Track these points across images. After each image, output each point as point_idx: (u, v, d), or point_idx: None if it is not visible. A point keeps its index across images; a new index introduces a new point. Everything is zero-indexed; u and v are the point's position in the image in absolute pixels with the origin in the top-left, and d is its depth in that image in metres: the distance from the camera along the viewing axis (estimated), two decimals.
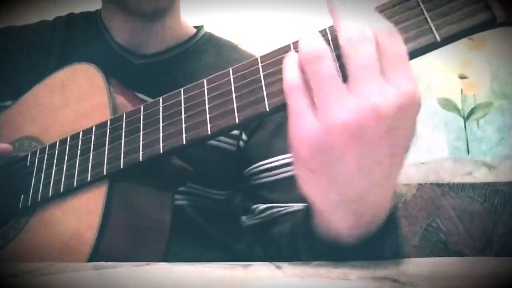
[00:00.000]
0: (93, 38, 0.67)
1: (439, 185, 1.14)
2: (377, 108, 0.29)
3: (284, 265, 0.33)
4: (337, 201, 0.32)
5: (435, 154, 1.18)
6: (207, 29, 0.73)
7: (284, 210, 0.57)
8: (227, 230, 0.66)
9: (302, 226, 0.40)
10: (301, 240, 0.41)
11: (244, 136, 0.63)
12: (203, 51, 0.68)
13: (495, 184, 1.14)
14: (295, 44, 0.36)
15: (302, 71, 0.32)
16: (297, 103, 0.31)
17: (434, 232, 1.14)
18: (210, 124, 0.38)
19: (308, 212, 0.38)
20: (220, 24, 1.24)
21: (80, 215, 0.44)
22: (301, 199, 0.58)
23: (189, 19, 0.71)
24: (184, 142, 0.40)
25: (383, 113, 0.29)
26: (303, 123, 0.31)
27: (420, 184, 1.13)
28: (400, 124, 0.29)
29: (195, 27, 0.72)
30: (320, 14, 1.25)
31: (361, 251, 0.35)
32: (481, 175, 1.18)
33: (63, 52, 0.66)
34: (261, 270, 0.32)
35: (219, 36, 0.73)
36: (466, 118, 1.22)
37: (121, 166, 0.43)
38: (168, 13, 0.64)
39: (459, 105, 1.23)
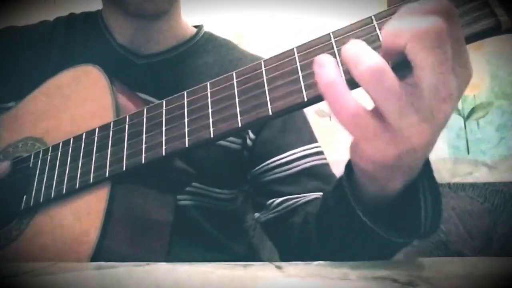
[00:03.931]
0: (94, 38, 0.67)
1: (439, 185, 1.14)
2: (446, 107, 0.30)
3: (284, 265, 0.33)
4: (399, 177, 0.35)
5: (435, 154, 1.18)
6: (207, 29, 0.73)
7: (301, 200, 0.58)
8: (228, 231, 0.66)
9: (338, 194, 0.40)
10: (337, 209, 0.42)
11: (251, 135, 0.63)
12: (203, 51, 0.68)
13: (495, 184, 1.14)
14: (299, 48, 0.36)
15: (365, 89, 0.30)
16: (370, 133, 0.30)
17: None
18: (213, 127, 0.38)
19: (349, 175, 0.39)
20: (220, 24, 1.24)
21: (82, 216, 0.44)
22: (315, 190, 0.59)
23: (189, 19, 0.72)
24: (187, 145, 0.40)
25: (451, 109, 0.30)
26: (383, 146, 0.31)
27: None
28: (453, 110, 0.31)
29: (194, 26, 0.72)
30: (320, 14, 1.25)
31: (401, 204, 0.36)
32: (481, 175, 1.18)
33: (64, 53, 0.66)
34: (261, 270, 0.32)
35: (218, 36, 0.73)
36: (466, 118, 1.22)
37: (124, 168, 0.43)
38: (169, 14, 0.64)
39: (459, 105, 1.23)
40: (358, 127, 0.30)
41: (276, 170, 0.61)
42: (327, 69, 0.31)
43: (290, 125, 0.64)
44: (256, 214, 0.64)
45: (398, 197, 0.37)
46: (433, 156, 0.34)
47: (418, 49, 0.28)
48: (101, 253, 0.41)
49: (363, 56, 0.29)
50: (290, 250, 0.59)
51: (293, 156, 0.61)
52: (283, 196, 0.60)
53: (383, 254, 0.41)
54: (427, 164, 0.37)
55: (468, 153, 1.21)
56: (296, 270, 0.31)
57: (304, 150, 0.62)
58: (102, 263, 0.38)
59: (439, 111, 0.29)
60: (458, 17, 0.30)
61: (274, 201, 0.60)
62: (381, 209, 0.37)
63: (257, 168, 0.63)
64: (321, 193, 0.58)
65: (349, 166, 0.38)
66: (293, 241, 0.56)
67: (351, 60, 0.30)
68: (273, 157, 0.62)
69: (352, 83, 0.31)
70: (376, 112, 0.30)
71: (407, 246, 0.40)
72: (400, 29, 0.29)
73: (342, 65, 0.33)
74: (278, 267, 0.32)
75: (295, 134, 0.63)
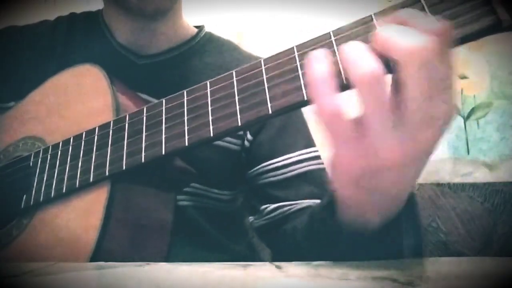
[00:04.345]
0: (95, 38, 0.67)
1: (439, 185, 1.14)
2: (426, 135, 0.29)
3: (284, 265, 0.33)
4: (372, 202, 0.34)
5: (435, 154, 1.18)
6: (207, 28, 0.73)
7: (294, 207, 0.58)
8: (228, 231, 0.66)
9: (323, 214, 0.40)
10: (321, 229, 0.42)
11: (249, 136, 0.63)
12: (204, 51, 0.68)
13: (495, 184, 1.14)
14: (298, 47, 0.36)
15: (358, 92, 0.30)
16: (342, 133, 0.31)
17: (434, 232, 1.13)
18: (212, 126, 0.38)
19: (331, 204, 0.38)
20: (220, 23, 1.24)
21: (82, 215, 0.44)
22: (309, 196, 0.58)
23: (189, 18, 0.72)
24: (187, 144, 0.40)
25: (432, 138, 0.30)
26: (351, 152, 0.31)
27: (420, 184, 1.13)
28: (436, 142, 0.31)
29: (195, 27, 0.72)
30: (320, 14, 1.25)
31: (381, 238, 0.36)
32: (481, 175, 1.18)
33: (65, 52, 0.66)
34: (261, 270, 0.32)
35: (219, 36, 0.73)
36: (466, 118, 1.22)
37: (123, 167, 0.43)
38: (170, 14, 0.64)
39: (459, 105, 1.22)
40: (334, 127, 0.30)
41: (271, 174, 0.61)
42: (315, 65, 0.31)
43: (288, 128, 0.63)
44: (250, 218, 0.63)
45: (379, 233, 0.36)
46: (433, 156, 0.34)
47: (411, 68, 0.28)
48: (100, 253, 0.41)
49: (364, 59, 0.29)
50: (283, 255, 0.58)
51: (289, 160, 0.61)
52: (276, 201, 0.59)
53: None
54: (412, 204, 0.37)
55: (468, 153, 1.20)
56: (296, 270, 0.31)
57: (300, 155, 0.61)
58: (102, 263, 0.38)
59: (421, 135, 0.29)
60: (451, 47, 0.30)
61: (267, 207, 0.60)
62: (362, 237, 0.37)
63: (252, 170, 0.63)
64: (315, 200, 0.57)
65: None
66: (285, 248, 0.56)
67: (350, 60, 0.30)
68: (269, 160, 0.61)
69: (344, 86, 0.31)
70: (356, 121, 0.30)
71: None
72: (396, 40, 0.28)
73: (340, 64, 0.33)
74: (278, 267, 0.32)
75: (292, 138, 0.63)
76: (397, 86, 0.30)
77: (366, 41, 0.32)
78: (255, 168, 0.62)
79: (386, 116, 0.29)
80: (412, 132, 0.29)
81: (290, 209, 0.58)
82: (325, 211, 0.39)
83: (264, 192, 0.61)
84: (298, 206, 0.57)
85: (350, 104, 0.31)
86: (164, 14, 0.62)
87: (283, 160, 0.60)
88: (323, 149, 0.65)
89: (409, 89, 0.29)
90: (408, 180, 0.33)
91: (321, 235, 0.42)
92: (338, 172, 0.33)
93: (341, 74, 0.32)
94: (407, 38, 0.28)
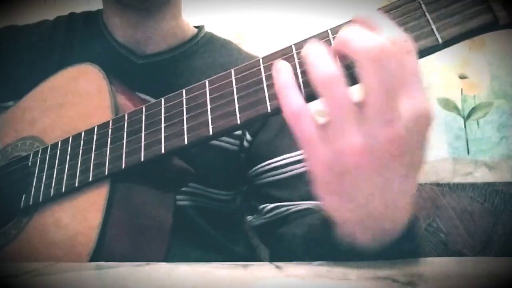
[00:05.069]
0: (95, 37, 0.67)
1: (439, 185, 1.14)
2: (388, 133, 0.29)
3: (284, 265, 0.33)
4: (358, 219, 0.33)
5: (435, 154, 1.18)
6: (207, 28, 0.73)
7: (292, 208, 0.57)
8: (227, 231, 0.66)
9: (320, 230, 0.40)
10: (319, 243, 0.41)
11: (248, 136, 0.63)
12: (204, 51, 0.68)
13: (495, 184, 1.14)
14: (297, 45, 0.36)
15: (319, 93, 0.31)
16: (307, 132, 0.32)
17: (434, 232, 1.13)
18: (212, 125, 0.38)
19: (327, 220, 0.38)
20: (220, 23, 1.24)
21: (81, 214, 0.44)
22: (309, 196, 0.58)
23: (189, 18, 0.72)
24: (186, 142, 0.40)
25: (394, 137, 0.29)
26: (317, 152, 0.32)
27: (420, 184, 1.13)
28: (412, 144, 0.30)
29: (196, 27, 0.72)
30: (320, 14, 1.25)
31: (380, 255, 0.35)
32: (481, 175, 1.18)
33: (64, 52, 0.66)
34: (261, 270, 0.32)
35: (219, 36, 0.73)
36: (466, 118, 1.22)
37: (123, 166, 0.43)
38: (168, 12, 0.64)
39: (459, 105, 1.22)
40: (298, 125, 0.32)
41: (270, 173, 0.61)
42: (282, 74, 0.33)
43: (287, 129, 0.63)
44: (249, 217, 0.63)
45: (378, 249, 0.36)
46: (433, 156, 0.34)
47: (366, 66, 0.29)
48: (100, 253, 0.41)
49: (321, 61, 0.31)
50: (280, 256, 0.58)
51: (288, 160, 0.60)
52: (275, 201, 0.59)
53: None
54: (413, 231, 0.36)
55: (468, 153, 1.20)
56: (296, 270, 0.31)
57: (299, 155, 0.60)
58: (102, 263, 0.38)
59: (382, 134, 0.29)
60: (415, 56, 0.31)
61: (265, 206, 0.60)
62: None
63: (251, 170, 0.63)
64: (312, 202, 0.57)
65: None
66: (282, 251, 0.56)
67: (309, 62, 0.32)
68: (268, 159, 0.61)
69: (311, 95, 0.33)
70: (323, 124, 0.31)
71: None
72: (353, 40, 0.30)
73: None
74: (278, 267, 0.32)
75: (291, 138, 0.62)
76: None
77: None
78: (254, 168, 0.62)
79: (347, 114, 0.30)
80: (373, 129, 0.30)
81: (288, 209, 0.57)
82: (323, 225, 0.39)
83: (263, 192, 0.61)
84: (297, 207, 0.57)
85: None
86: (156, 9, 0.62)
87: (281, 160, 0.60)
88: None
89: (365, 85, 0.30)
90: (389, 191, 0.31)
91: (320, 247, 0.42)
92: (312, 176, 0.34)
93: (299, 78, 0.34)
94: (364, 38, 0.30)
